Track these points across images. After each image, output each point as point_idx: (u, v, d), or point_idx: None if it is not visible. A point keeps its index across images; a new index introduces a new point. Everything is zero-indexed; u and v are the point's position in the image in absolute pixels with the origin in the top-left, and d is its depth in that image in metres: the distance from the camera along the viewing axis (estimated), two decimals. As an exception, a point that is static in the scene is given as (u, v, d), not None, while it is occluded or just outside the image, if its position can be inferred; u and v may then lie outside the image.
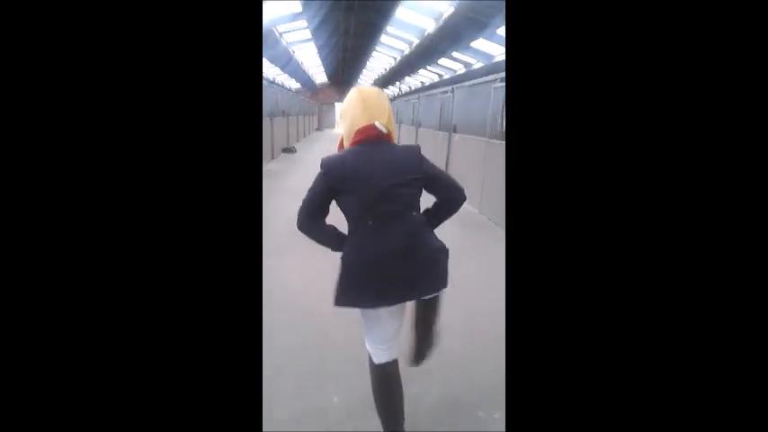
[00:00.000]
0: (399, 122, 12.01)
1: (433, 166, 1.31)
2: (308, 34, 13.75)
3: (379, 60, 17.49)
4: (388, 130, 1.29)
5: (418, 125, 9.83)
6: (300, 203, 1.29)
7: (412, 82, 20.28)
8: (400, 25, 12.58)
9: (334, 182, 1.24)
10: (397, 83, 20.96)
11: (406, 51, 14.74)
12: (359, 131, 1.27)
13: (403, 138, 10.93)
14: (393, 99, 20.32)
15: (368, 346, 1.37)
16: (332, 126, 26.02)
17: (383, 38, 14.22)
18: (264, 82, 8.69)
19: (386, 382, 1.34)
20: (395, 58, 16.46)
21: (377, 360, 1.35)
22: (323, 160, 1.27)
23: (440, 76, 17.75)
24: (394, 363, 1.35)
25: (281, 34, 13.09)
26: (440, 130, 8.00)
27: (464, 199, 1.37)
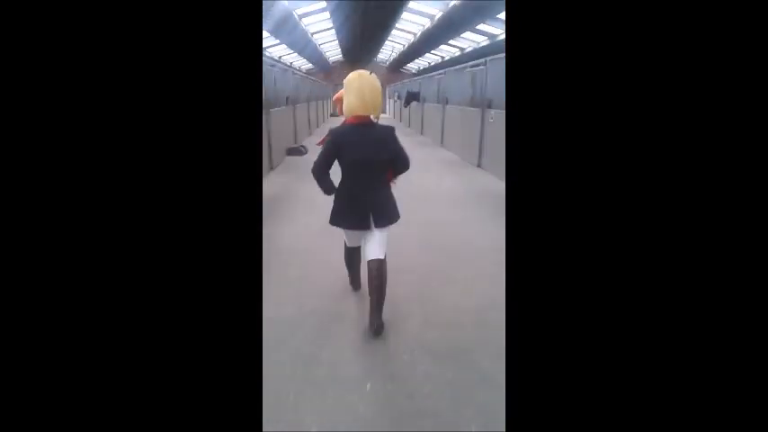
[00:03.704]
0: (423, 100, 12.07)
1: (398, 146, 2.08)
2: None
3: (403, 29, 15.83)
4: (377, 117, 2.07)
5: (445, 102, 9.37)
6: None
7: (435, 57, 19.45)
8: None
9: (336, 149, 2.00)
10: (418, 59, 20.09)
11: (427, 26, 14.01)
12: (356, 117, 1.99)
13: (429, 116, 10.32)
14: (416, 74, 19.68)
15: (344, 240, 2.43)
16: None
17: (405, 14, 13.39)
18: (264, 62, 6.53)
19: (350, 253, 2.47)
20: (415, 33, 15.73)
21: (347, 245, 2.43)
22: (331, 131, 2.02)
23: (461, 50, 16.98)
24: (357, 248, 2.40)
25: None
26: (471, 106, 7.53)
27: (408, 168, 2.17)
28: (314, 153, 8.16)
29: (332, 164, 2.04)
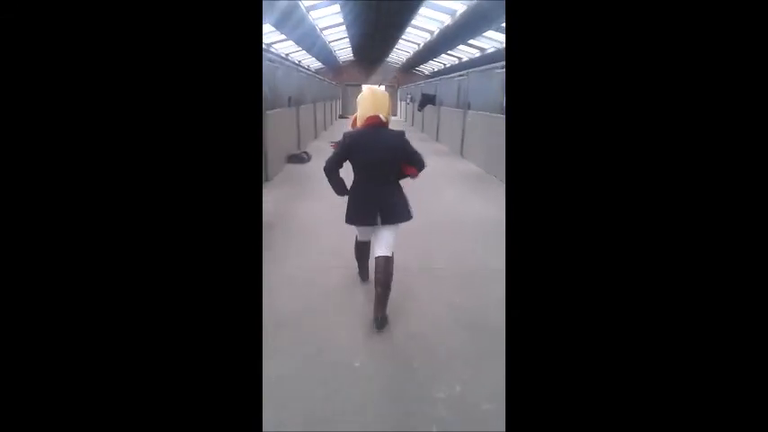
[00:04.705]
0: (440, 103, 11.41)
1: (410, 148, 2.23)
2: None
3: (420, 25, 14.76)
4: (387, 119, 2.22)
5: (467, 106, 8.34)
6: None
7: (449, 59, 18.38)
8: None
9: (349, 151, 2.20)
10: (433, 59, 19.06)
11: (447, 23, 12.92)
12: (368, 118, 2.18)
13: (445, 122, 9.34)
14: (430, 76, 18.71)
15: (356, 235, 2.62)
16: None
17: (423, 9, 12.26)
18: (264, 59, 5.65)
19: (359, 247, 2.64)
20: (433, 30, 14.67)
21: (358, 239, 2.62)
22: (345, 134, 2.22)
23: (482, 50, 15.86)
24: (366, 242, 2.57)
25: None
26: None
27: (423, 167, 2.31)
28: (318, 159, 5.95)
29: (342, 163, 2.24)
